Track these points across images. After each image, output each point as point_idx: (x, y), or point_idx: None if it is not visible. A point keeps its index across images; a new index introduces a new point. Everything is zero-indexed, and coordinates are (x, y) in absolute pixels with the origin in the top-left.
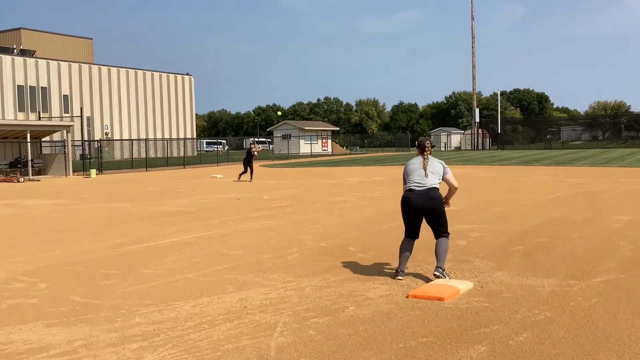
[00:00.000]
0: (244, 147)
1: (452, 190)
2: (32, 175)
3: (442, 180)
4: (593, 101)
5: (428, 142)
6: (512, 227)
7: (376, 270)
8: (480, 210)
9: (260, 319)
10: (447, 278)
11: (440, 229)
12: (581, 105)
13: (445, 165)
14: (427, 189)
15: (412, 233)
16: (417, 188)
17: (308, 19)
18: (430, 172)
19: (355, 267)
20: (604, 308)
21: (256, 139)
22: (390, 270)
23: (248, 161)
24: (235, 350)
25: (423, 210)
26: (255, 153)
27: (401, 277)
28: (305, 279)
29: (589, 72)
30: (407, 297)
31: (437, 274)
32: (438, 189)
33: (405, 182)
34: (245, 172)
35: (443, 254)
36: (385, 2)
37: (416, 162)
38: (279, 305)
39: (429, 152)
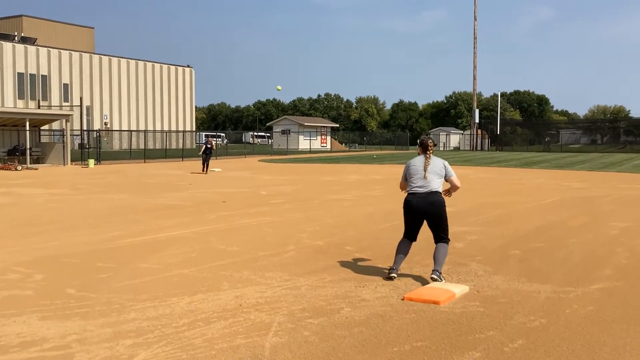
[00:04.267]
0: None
1: (454, 188)
2: (30, 163)
3: (446, 181)
4: (593, 105)
5: (430, 140)
6: (509, 230)
7: (372, 270)
8: (477, 212)
9: (255, 318)
10: (443, 281)
11: (441, 235)
12: (581, 108)
13: (447, 165)
14: (428, 192)
15: (410, 235)
16: (418, 191)
17: (312, 15)
18: (431, 174)
19: (351, 267)
20: (599, 316)
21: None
22: (386, 272)
23: (206, 153)
24: (229, 349)
25: (424, 214)
26: (214, 148)
27: (394, 275)
28: (301, 278)
29: (589, 76)
30: (402, 299)
31: (435, 277)
32: (440, 192)
33: (404, 182)
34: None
35: (441, 259)
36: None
37: (418, 162)
38: (274, 304)
39: (431, 151)
